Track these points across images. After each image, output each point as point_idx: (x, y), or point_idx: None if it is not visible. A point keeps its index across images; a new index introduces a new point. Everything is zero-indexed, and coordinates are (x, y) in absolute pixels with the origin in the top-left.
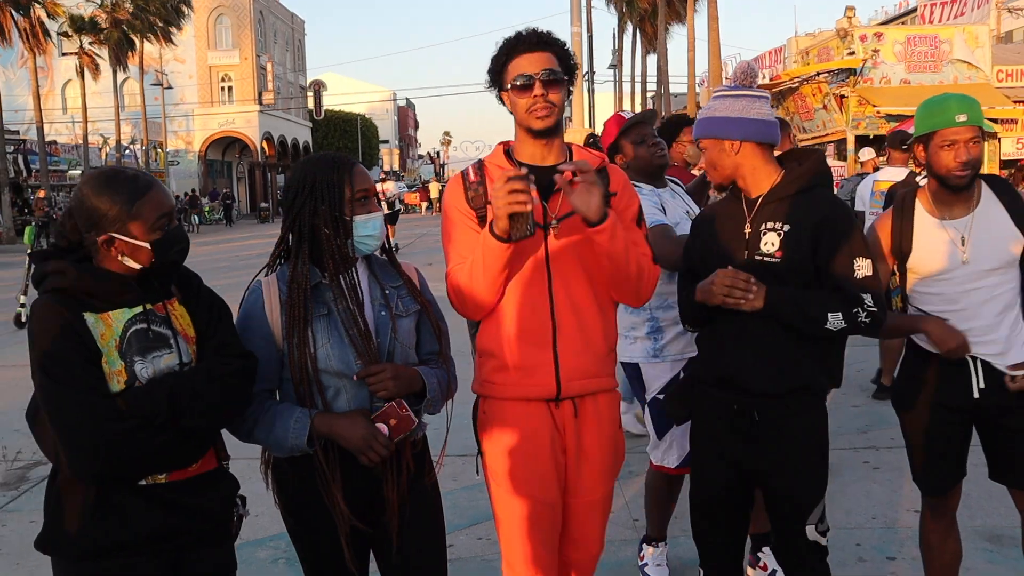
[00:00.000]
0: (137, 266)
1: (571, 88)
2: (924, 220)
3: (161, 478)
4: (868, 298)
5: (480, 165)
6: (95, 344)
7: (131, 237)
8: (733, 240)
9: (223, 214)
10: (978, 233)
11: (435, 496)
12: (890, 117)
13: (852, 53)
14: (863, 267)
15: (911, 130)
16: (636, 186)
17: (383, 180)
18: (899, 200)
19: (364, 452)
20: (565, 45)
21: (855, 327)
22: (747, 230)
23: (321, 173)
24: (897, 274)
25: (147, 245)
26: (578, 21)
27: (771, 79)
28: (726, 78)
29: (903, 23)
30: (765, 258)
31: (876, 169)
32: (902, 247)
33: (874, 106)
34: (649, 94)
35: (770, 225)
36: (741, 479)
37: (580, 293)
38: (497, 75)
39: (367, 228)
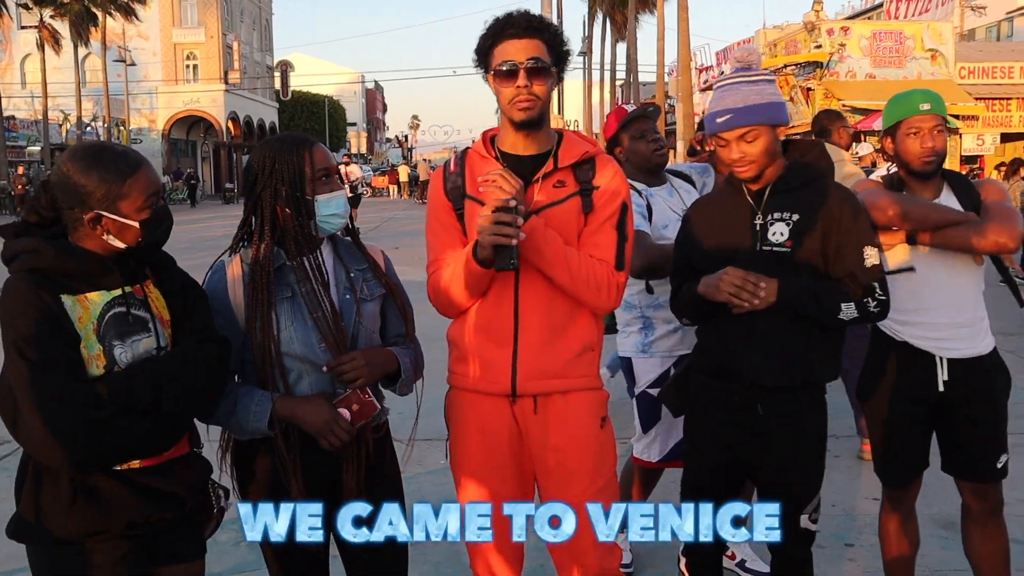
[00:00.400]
0: (122, 245)
1: (562, 76)
2: None
3: (135, 463)
4: (877, 287)
5: (462, 155)
6: (73, 328)
7: (120, 216)
8: (740, 231)
9: (187, 194)
10: None
11: (396, 480)
12: (855, 110)
13: (819, 46)
14: (871, 256)
15: (876, 126)
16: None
17: (347, 163)
18: (888, 181)
19: (325, 436)
20: (558, 31)
21: (866, 316)
22: (758, 221)
23: (280, 154)
24: None
25: (136, 224)
26: (548, 8)
27: None
28: (696, 67)
29: (869, 18)
30: (775, 248)
31: (874, 164)
32: None
33: (839, 100)
34: (618, 82)
35: (778, 215)
36: (735, 470)
37: (550, 291)
38: (483, 56)
39: (329, 207)
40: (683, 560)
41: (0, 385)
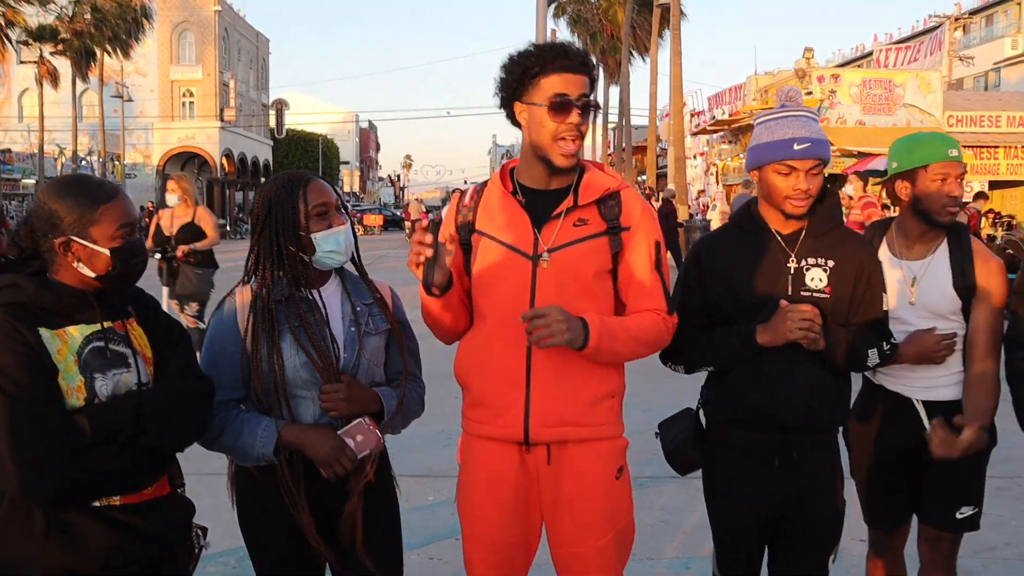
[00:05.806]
0: (92, 274)
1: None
2: (881, 257)
3: (116, 500)
4: (891, 331)
5: (480, 188)
6: (51, 360)
7: (90, 242)
8: (773, 276)
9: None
10: (929, 277)
11: (395, 511)
12: (845, 154)
13: (810, 93)
14: (885, 301)
15: (868, 167)
16: None
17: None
18: (867, 237)
19: (331, 464)
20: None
21: (883, 360)
22: (791, 265)
23: (276, 193)
24: None
25: (106, 251)
26: None
27: (731, 115)
28: (688, 112)
29: (859, 66)
30: (814, 294)
31: None
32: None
33: (831, 144)
34: (610, 125)
35: (812, 261)
36: (770, 516)
37: None
38: (519, 84)
39: (329, 243)
40: None
41: None
